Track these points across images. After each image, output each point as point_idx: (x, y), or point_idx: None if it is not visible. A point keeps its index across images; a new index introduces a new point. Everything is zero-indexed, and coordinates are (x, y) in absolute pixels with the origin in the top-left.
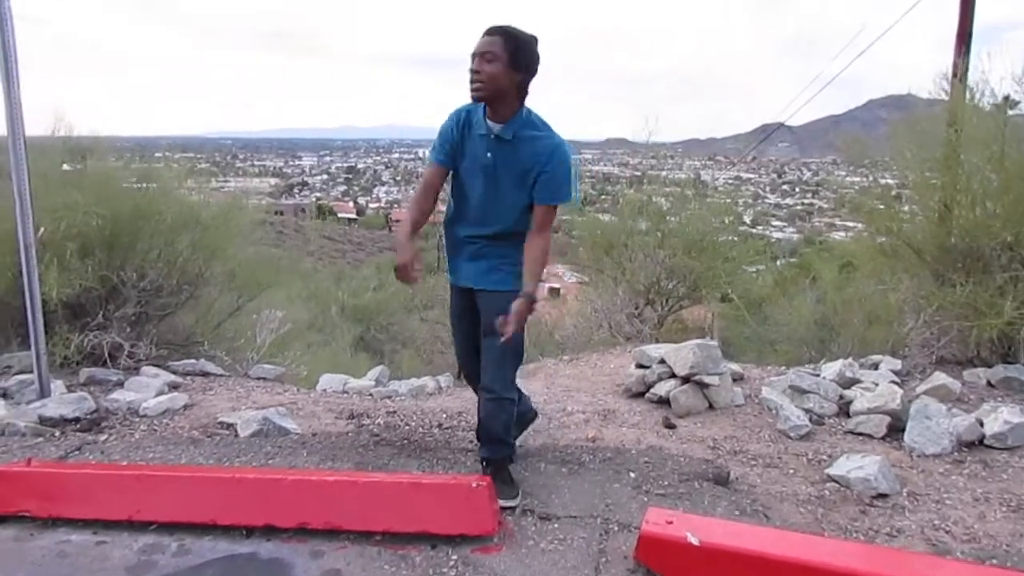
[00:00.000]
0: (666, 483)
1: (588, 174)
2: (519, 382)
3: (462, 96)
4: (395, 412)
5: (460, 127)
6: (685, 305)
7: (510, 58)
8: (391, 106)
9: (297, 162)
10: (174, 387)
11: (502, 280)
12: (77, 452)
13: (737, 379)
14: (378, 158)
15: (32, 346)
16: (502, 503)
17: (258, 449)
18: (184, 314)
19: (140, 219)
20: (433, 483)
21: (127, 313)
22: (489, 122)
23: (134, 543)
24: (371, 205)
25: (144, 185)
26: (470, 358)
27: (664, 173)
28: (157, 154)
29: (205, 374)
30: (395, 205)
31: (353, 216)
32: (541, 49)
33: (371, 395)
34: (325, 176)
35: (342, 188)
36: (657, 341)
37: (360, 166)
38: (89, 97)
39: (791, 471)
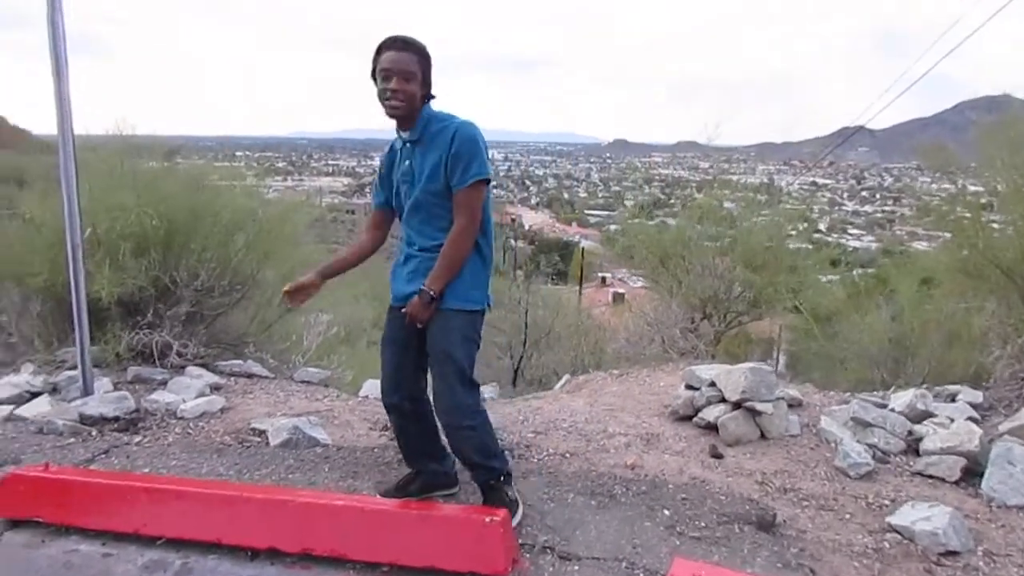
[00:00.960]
0: (703, 524)
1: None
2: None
3: (526, 99)
4: None
5: (387, 162)
6: (745, 321)
7: (423, 76)
8: (459, 107)
9: (369, 162)
10: (216, 388)
11: (449, 297)
12: (104, 455)
13: (794, 405)
14: None
15: (77, 344)
16: None
17: (280, 461)
18: (236, 314)
19: (195, 219)
20: (443, 516)
21: (179, 312)
22: (402, 134)
23: (139, 558)
24: None
25: (201, 186)
26: (395, 386)
27: (735, 177)
28: (238, 153)
29: (250, 375)
30: None
31: None
32: (590, 50)
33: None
34: None
35: None
36: (713, 358)
37: None
38: (173, 98)
39: (847, 516)
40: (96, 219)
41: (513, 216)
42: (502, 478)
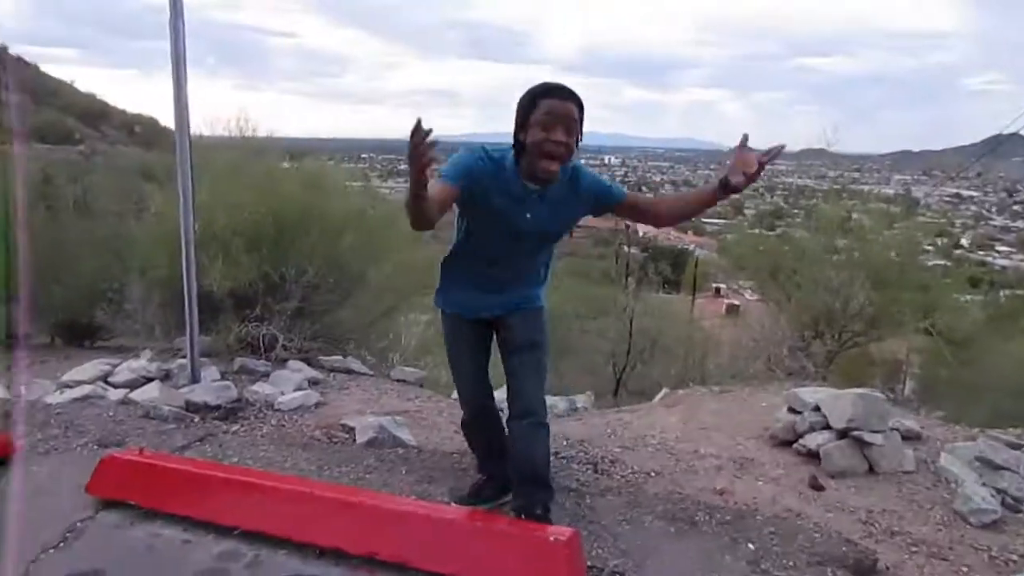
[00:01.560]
0: (791, 563)
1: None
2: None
3: (644, 103)
4: None
5: (485, 176)
6: (861, 342)
7: (579, 126)
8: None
9: None
10: (314, 383)
11: (535, 298)
12: (199, 443)
13: (911, 438)
14: None
15: (187, 334)
16: None
17: (360, 460)
18: (341, 312)
19: (306, 218)
20: (508, 531)
21: (287, 307)
22: (527, 183)
23: (215, 547)
24: None
25: (313, 186)
26: (483, 388)
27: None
28: (363, 155)
29: (349, 372)
30: None
31: None
32: (714, 52)
33: (502, 410)
34: None
35: None
36: (824, 379)
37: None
38: (306, 100)
39: (964, 569)
40: (213, 215)
41: (627, 223)
42: (546, 508)
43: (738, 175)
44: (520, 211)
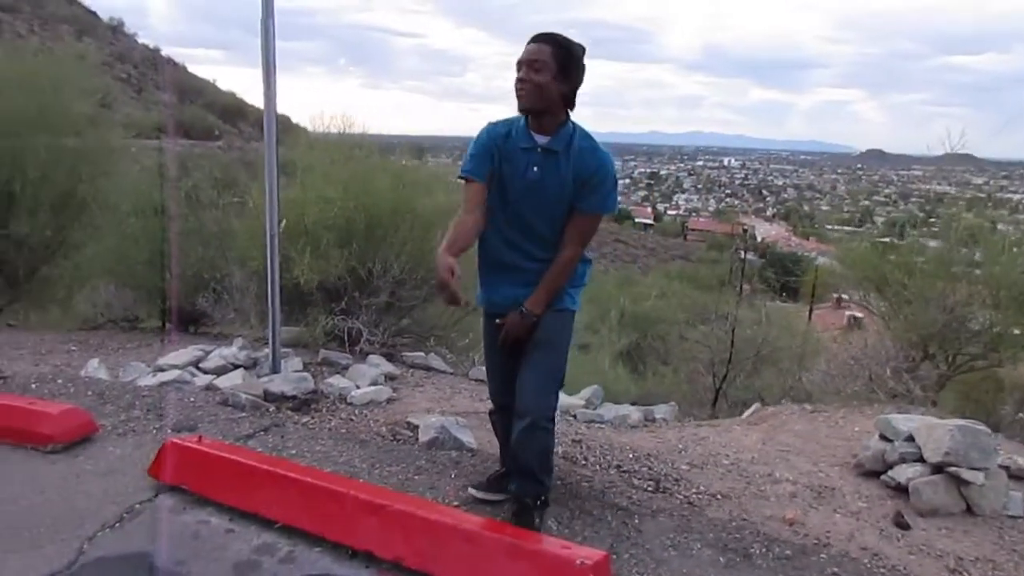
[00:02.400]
0: None
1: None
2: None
3: (768, 103)
4: (580, 441)
5: (499, 140)
6: (979, 366)
7: (559, 68)
8: (698, 113)
9: None
10: (390, 379)
11: (558, 298)
12: (263, 433)
13: (1021, 478)
14: (681, 165)
15: (269, 325)
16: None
17: (412, 461)
18: (428, 308)
19: (395, 215)
20: (535, 548)
21: (374, 302)
22: (534, 135)
23: (254, 539)
24: (669, 212)
25: (405, 182)
26: (507, 388)
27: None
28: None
29: (428, 369)
30: (693, 213)
31: (650, 222)
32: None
33: (574, 416)
34: (627, 180)
35: (642, 193)
36: (933, 405)
37: (663, 172)
38: (427, 98)
39: None
40: (306, 210)
41: (745, 226)
42: (540, 501)
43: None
44: (528, 164)
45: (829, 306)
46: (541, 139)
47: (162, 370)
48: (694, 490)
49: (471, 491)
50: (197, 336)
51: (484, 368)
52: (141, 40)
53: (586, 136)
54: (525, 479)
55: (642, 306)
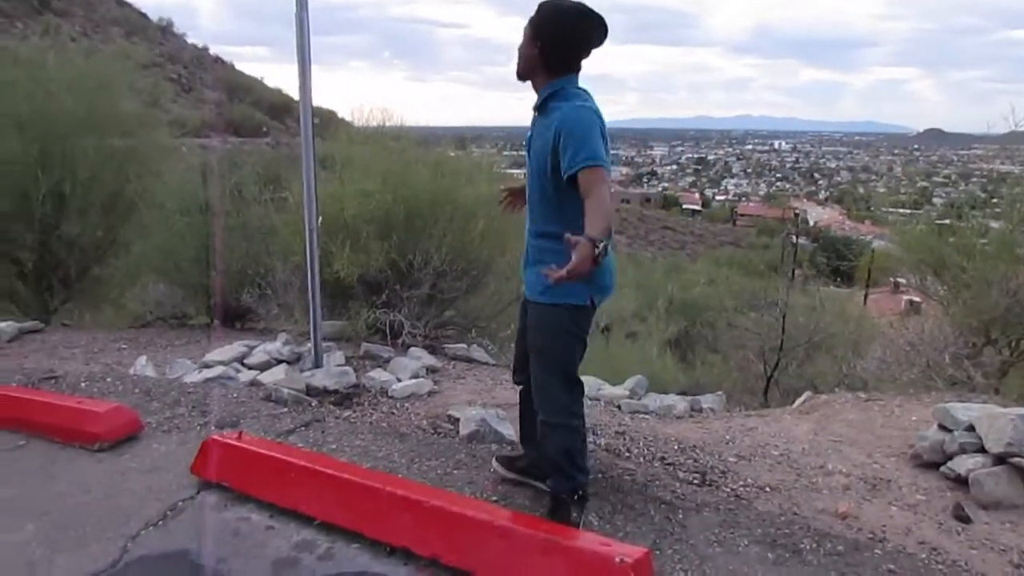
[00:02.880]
0: None
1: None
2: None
3: (820, 83)
4: (623, 433)
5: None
6: None
7: (532, 30)
8: (747, 97)
9: (649, 152)
10: (432, 371)
11: (545, 290)
12: (304, 428)
13: None
14: (730, 149)
15: (310, 320)
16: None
17: (451, 455)
18: (470, 299)
19: (435, 206)
20: (571, 545)
21: (415, 294)
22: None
23: (294, 536)
24: (717, 197)
25: (444, 173)
26: (521, 364)
27: None
28: (523, 142)
29: (470, 360)
30: (743, 198)
31: (698, 208)
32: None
33: (618, 407)
34: (674, 166)
35: (690, 179)
36: (996, 392)
37: (711, 157)
38: (469, 89)
39: None
40: (345, 203)
41: (796, 211)
42: (577, 496)
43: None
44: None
45: (886, 291)
46: (538, 102)
47: (208, 366)
48: (741, 483)
49: (494, 464)
50: (243, 332)
51: None
52: (190, 40)
53: (564, 96)
54: (554, 474)
55: (690, 293)
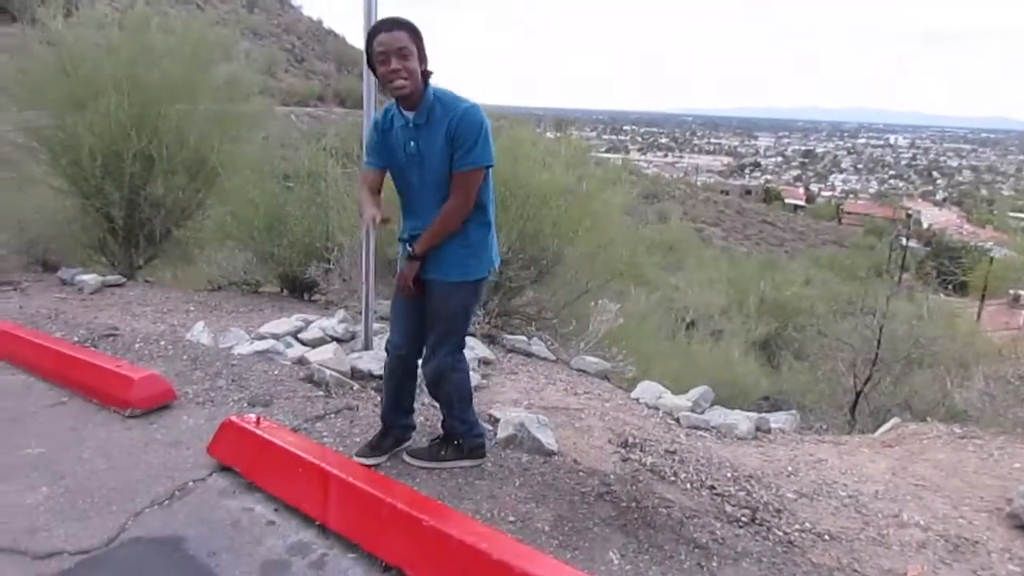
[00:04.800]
0: None
1: None
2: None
3: (943, 77)
4: (674, 452)
5: (380, 131)
6: None
7: (419, 51)
8: (862, 87)
9: (753, 142)
10: (484, 363)
11: (455, 265)
12: (334, 415)
13: None
14: (840, 143)
15: (363, 300)
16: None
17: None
18: (538, 290)
19: (503, 190)
20: None
21: None
22: (406, 113)
23: (292, 535)
24: (823, 193)
25: (515, 158)
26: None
27: None
28: (625, 127)
29: (528, 355)
30: (851, 196)
31: (801, 203)
32: None
33: (676, 420)
34: (779, 158)
35: (795, 172)
36: None
37: (819, 150)
38: (570, 71)
39: None
40: None
41: (909, 211)
42: (458, 442)
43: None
44: (408, 140)
45: (1002, 303)
46: (410, 116)
47: (261, 338)
48: (797, 526)
49: (355, 457)
50: (307, 304)
51: (586, 358)
52: (306, 13)
53: (442, 102)
54: (449, 416)
55: (784, 294)
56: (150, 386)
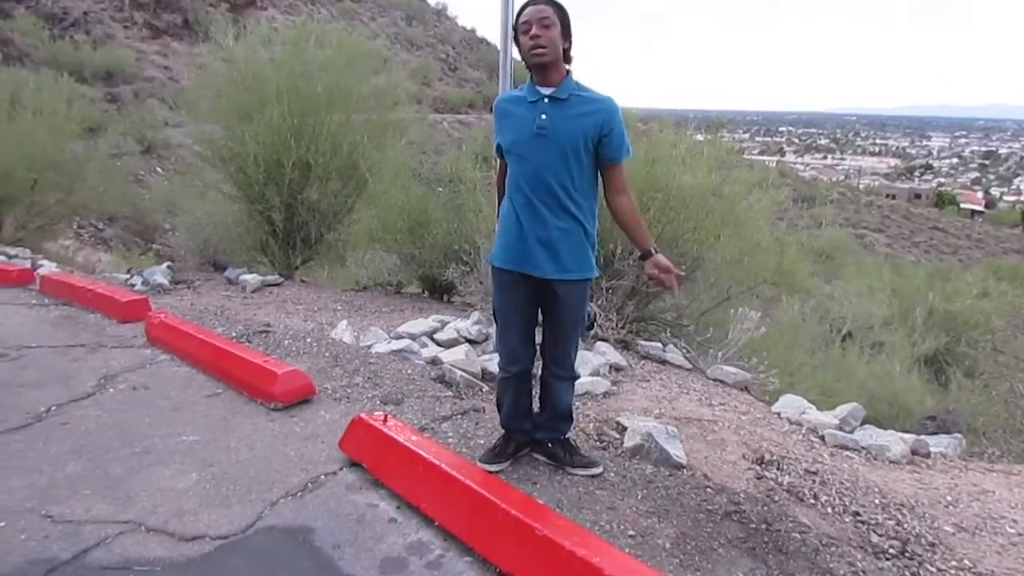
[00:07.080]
0: None
1: None
2: None
3: None
4: (815, 473)
5: (509, 102)
6: None
7: (563, 25)
8: (998, 71)
9: (925, 143)
10: (616, 369)
11: (582, 267)
12: (460, 416)
13: None
14: None
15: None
16: (583, 472)
17: (594, 473)
18: (678, 295)
19: (641, 193)
20: None
21: (618, 285)
22: (540, 88)
23: (412, 534)
24: (1006, 198)
25: (653, 160)
26: (525, 348)
27: None
28: (781, 128)
29: (662, 362)
30: None
31: (980, 208)
32: None
33: (821, 438)
34: (955, 160)
35: (973, 175)
36: None
37: (1003, 151)
38: (724, 72)
39: None
40: None
41: None
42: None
43: (652, 268)
44: (539, 114)
45: None
46: (547, 90)
47: (399, 338)
48: (954, 562)
49: (479, 463)
50: (446, 305)
51: (724, 367)
52: (460, 23)
53: (587, 89)
54: (563, 423)
55: (956, 306)
56: (291, 381)
